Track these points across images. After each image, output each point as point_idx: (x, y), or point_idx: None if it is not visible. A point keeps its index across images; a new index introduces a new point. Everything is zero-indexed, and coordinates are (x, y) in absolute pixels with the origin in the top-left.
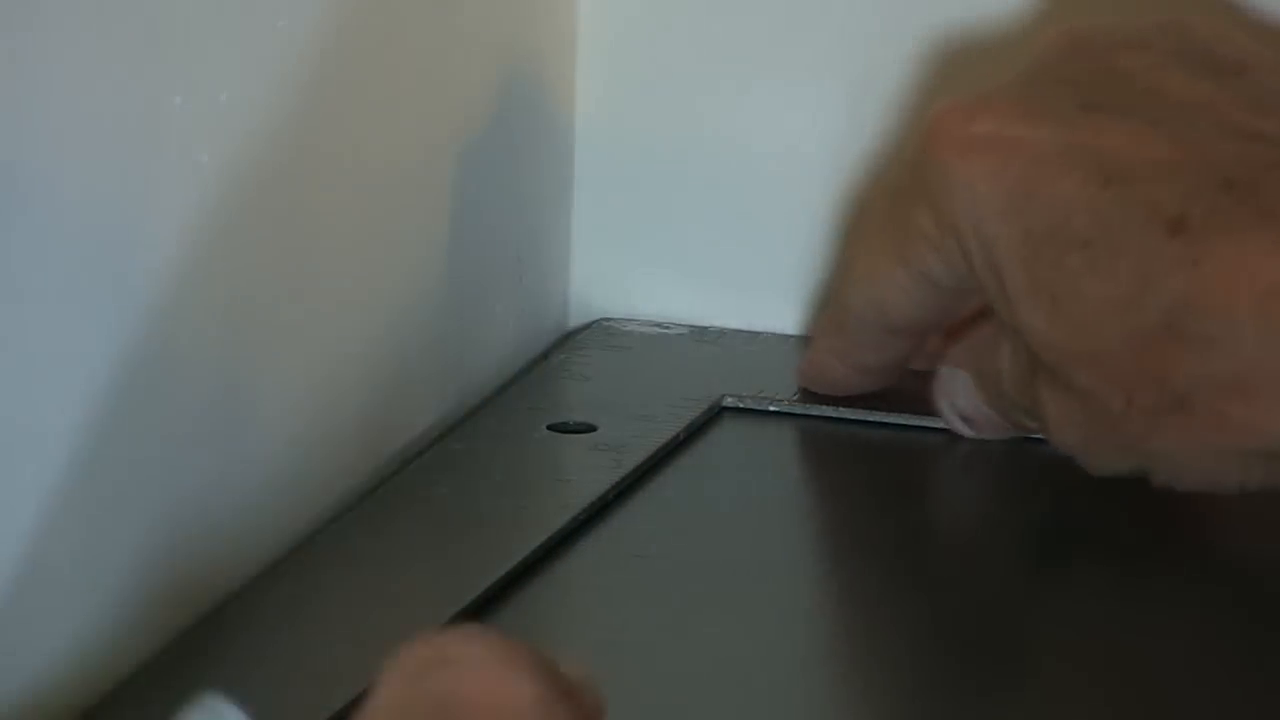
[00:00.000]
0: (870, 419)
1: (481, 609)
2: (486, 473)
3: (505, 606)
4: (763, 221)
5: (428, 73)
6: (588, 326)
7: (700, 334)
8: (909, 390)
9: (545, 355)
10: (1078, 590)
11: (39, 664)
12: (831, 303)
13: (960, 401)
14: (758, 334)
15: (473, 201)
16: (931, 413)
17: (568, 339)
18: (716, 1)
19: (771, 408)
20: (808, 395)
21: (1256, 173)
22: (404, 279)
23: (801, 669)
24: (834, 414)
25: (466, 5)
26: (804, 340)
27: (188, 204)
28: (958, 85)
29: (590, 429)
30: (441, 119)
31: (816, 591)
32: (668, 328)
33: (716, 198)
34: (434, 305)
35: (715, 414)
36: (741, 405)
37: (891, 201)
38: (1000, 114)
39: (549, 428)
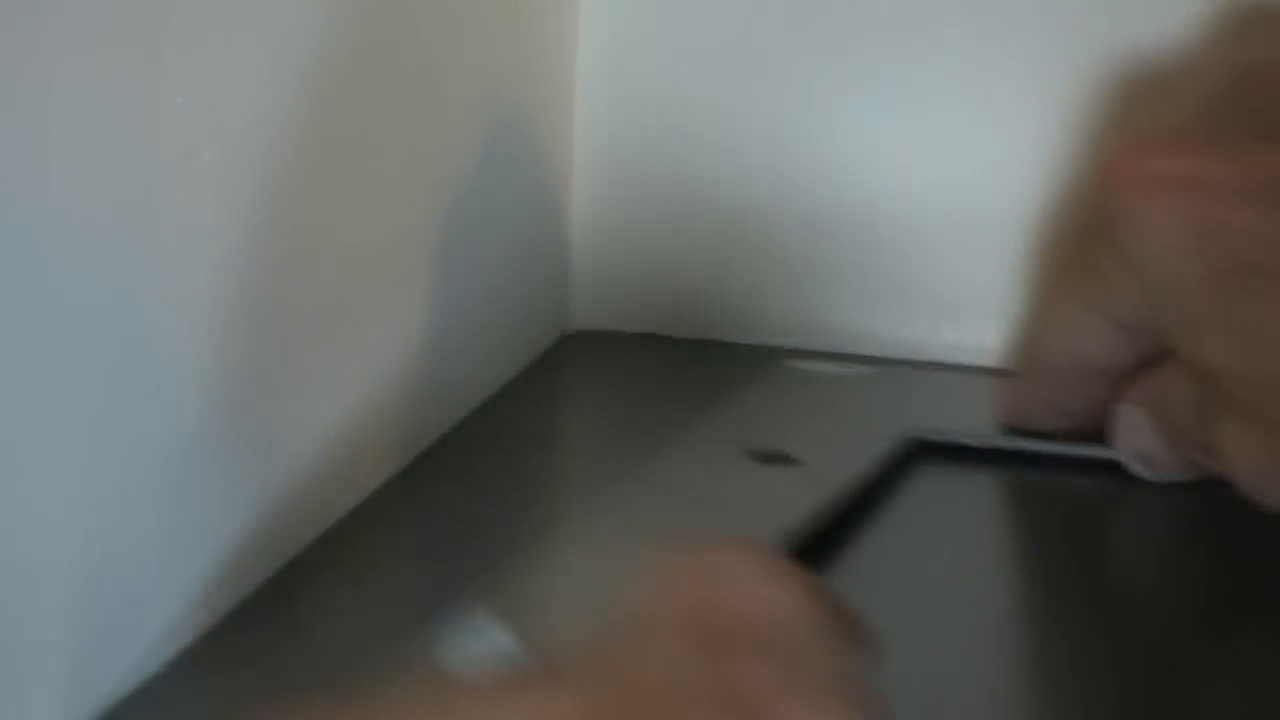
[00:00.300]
0: (1069, 453)
1: None
2: (691, 494)
3: None
4: (746, 228)
5: (427, 73)
6: (770, 359)
7: (883, 367)
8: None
9: (734, 388)
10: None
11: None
12: (1027, 347)
13: (1140, 441)
14: (941, 366)
15: (473, 201)
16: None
17: (751, 373)
18: (717, 0)
19: (965, 442)
20: (1003, 431)
21: None
22: (403, 279)
23: (981, 712)
24: (1031, 448)
25: (469, 9)
26: (997, 375)
27: (188, 204)
28: (1125, 116)
29: (787, 459)
30: (441, 118)
31: (1002, 635)
32: (849, 361)
33: (720, 203)
34: (434, 304)
35: (908, 449)
36: (936, 440)
37: (1074, 243)
38: (1180, 150)
39: (747, 457)
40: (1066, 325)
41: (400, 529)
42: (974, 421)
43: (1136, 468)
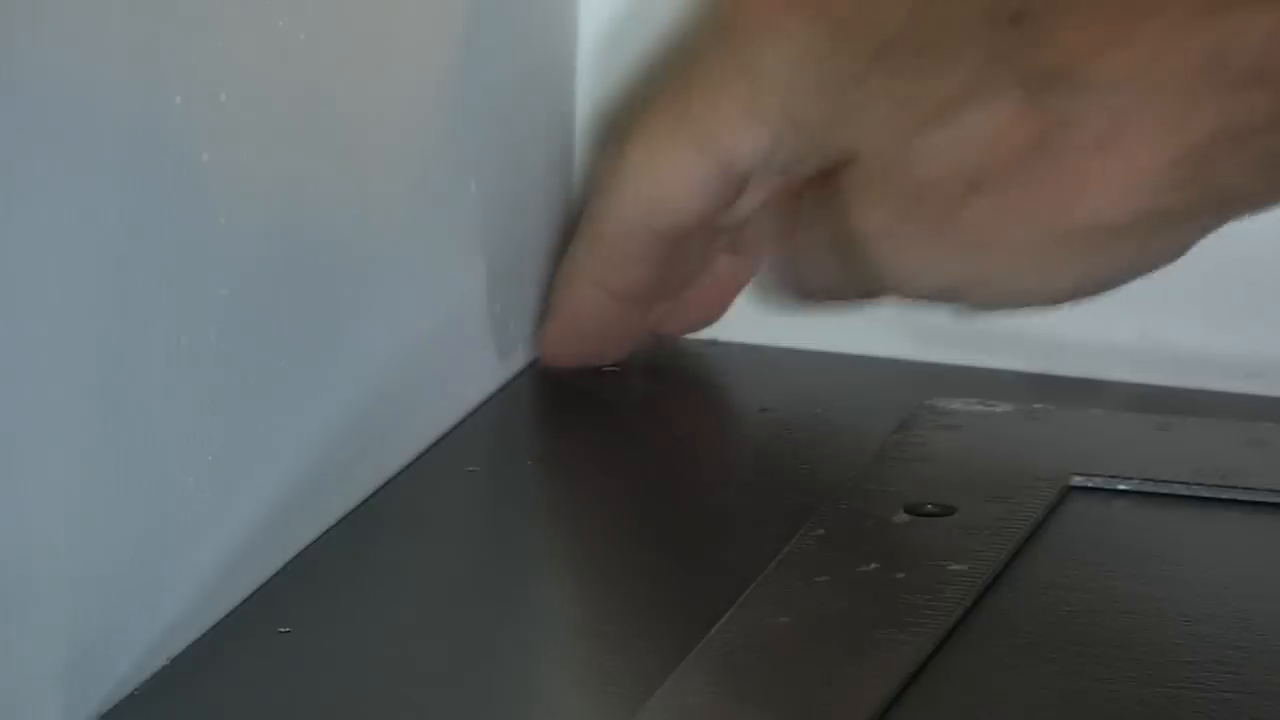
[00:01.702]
0: (1219, 496)
1: (889, 707)
2: (856, 560)
3: (916, 697)
4: None
5: (427, 72)
6: (915, 406)
7: (1029, 412)
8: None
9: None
10: None
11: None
12: (582, 228)
13: (807, 277)
14: (1094, 412)
15: (472, 201)
16: None
17: (902, 421)
18: None
19: (1121, 486)
20: (1155, 477)
21: None
22: (403, 279)
23: None
24: (1186, 491)
25: (467, 5)
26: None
27: (187, 204)
28: None
29: (950, 511)
30: (441, 118)
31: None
32: (995, 405)
33: None
34: (434, 304)
35: (1064, 494)
36: (1091, 485)
37: (682, 92)
38: None
39: (906, 510)
40: (658, 172)
41: (401, 530)
42: (1127, 460)
43: (812, 301)
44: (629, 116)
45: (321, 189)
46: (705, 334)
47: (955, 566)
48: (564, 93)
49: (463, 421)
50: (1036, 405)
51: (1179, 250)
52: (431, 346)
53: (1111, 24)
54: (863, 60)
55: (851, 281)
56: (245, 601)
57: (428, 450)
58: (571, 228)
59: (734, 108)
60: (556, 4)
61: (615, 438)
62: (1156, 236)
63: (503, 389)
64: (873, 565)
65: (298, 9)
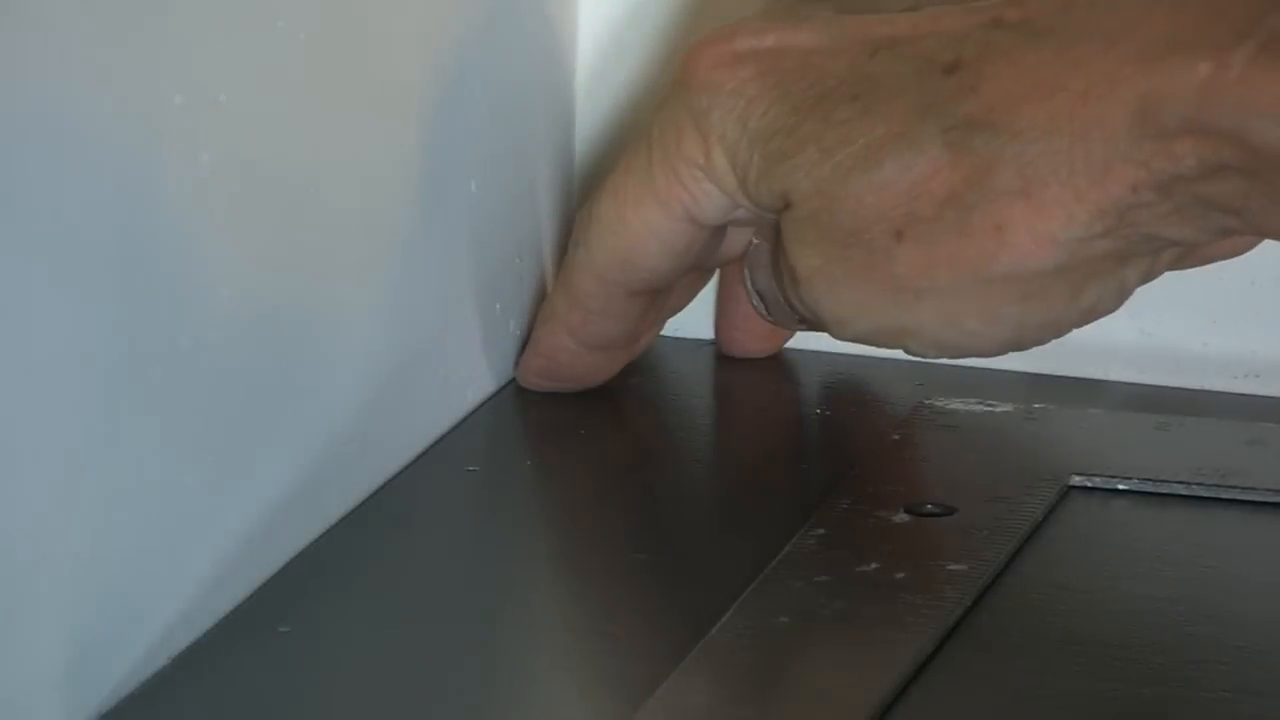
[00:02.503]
0: (1219, 496)
1: (892, 703)
2: (856, 560)
3: (917, 698)
4: None
5: (428, 72)
6: (914, 405)
7: (1029, 412)
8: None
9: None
10: None
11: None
12: (563, 275)
13: (759, 276)
14: (1094, 412)
15: (473, 201)
16: None
17: (901, 421)
18: None
19: (1121, 486)
20: (1155, 477)
21: (1028, 10)
22: (404, 278)
23: None
24: (1185, 491)
25: (468, 6)
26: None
27: (188, 204)
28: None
29: (950, 511)
30: (442, 118)
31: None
32: (995, 405)
33: None
34: (434, 304)
35: (1064, 494)
36: (1090, 485)
37: (644, 150)
38: (758, 31)
39: (906, 510)
40: (627, 229)
41: (401, 530)
42: (1126, 460)
43: (754, 304)
44: (600, 171)
45: (321, 189)
46: (705, 334)
47: (955, 566)
48: (564, 93)
49: (463, 421)
50: (1036, 405)
51: (1120, 294)
52: (431, 346)
53: (1041, 73)
54: (800, 113)
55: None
56: (245, 601)
57: (428, 450)
58: (571, 228)
59: (688, 165)
60: (557, 4)
61: (615, 438)
62: (1089, 284)
63: (503, 389)
64: (873, 565)
65: (298, 9)
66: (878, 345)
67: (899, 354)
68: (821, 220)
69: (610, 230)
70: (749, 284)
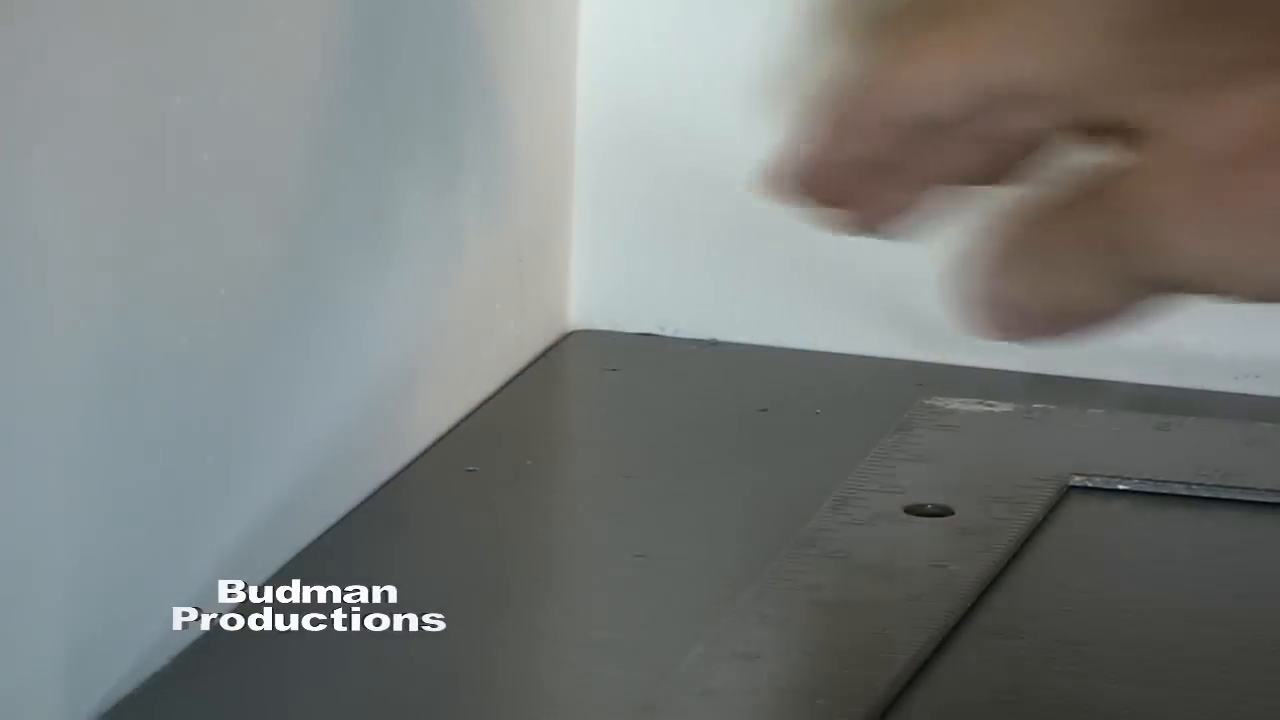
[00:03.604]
0: (1219, 496)
1: (890, 707)
2: (856, 560)
3: (917, 697)
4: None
5: (428, 72)
6: (914, 405)
7: (1028, 412)
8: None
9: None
10: None
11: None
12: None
13: (999, 283)
14: (1094, 412)
15: (473, 201)
16: None
17: (901, 421)
18: None
19: (1121, 486)
20: (1155, 477)
21: None
22: (404, 278)
23: None
24: (1185, 491)
25: (468, 5)
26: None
27: (187, 204)
28: None
29: (949, 512)
30: (442, 118)
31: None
32: (994, 405)
33: (719, 203)
34: (434, 304)
35: (1064, 494)
36: (1090, 485)
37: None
38: None
39: (906, 510)
40: (938, 78)
41: (401, 530)
42: (1126, 460)
43: (982, 321)
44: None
45: (321, 189)
46: (705, 334)
47: (955, 566)
48: (564, 93)
49: (463, 421)
50: (1036, 405)
51: None
52: (432, 346)
53: None
54: (1160, 12)
55: (1119, 284)
56: (245, 600)
57: (428, 450)
58: (571, 228)
59: (1000, 27)
60: (557, 4)
61: (614, 438)
62: None
63: (502, 389)
64: (873, 565)
65: (298, 9)
66: (1242, 299)
67: (899, 354)
68: (1195, 145)
69: (895, 59)
70: (973, 301)
